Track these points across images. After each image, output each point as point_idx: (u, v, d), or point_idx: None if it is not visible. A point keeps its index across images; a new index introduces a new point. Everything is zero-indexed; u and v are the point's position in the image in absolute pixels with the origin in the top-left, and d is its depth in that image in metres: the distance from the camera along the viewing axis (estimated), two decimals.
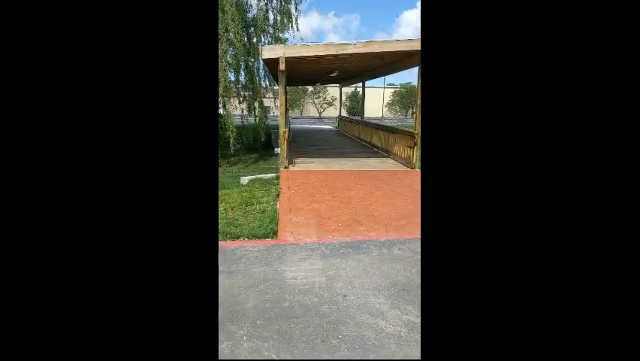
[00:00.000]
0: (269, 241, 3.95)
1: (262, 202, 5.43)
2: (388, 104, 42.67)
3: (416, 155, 8.09)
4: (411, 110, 42.75)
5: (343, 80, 15.20)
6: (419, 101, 8.10)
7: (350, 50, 7.24)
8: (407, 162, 8.38)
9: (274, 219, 4.62)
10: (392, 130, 9.72)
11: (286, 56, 7.21)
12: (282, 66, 7.29)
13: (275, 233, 4.20)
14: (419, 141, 8.07)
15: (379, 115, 38.63)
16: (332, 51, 7.32)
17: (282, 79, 7.63)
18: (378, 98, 39.57)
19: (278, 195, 5.77)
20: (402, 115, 41.95)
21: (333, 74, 11.00)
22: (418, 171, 7.94)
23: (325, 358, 2.10)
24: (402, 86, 43.94)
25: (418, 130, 8.01)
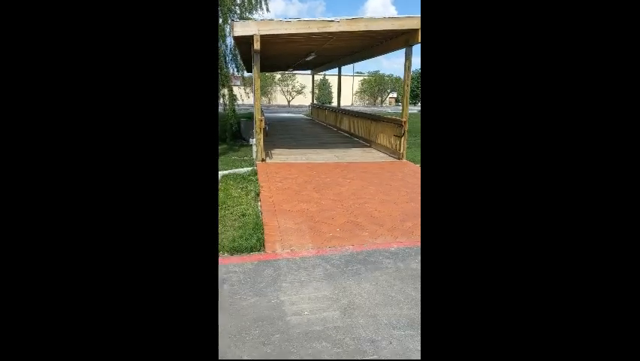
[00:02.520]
0: (256, 257, 3.16)
1: (241, 203, 4.60)
2: (357, 92, 42.26)
3: (404, 144, 7.48)
4: (380, 99, 42.61)
5: (318, 65, 14.35)
6: (407, 87, 7.46)
7: (333, 28, 6.45)
8: (394, 153, 7.75)
9: (258, 226, 3.82)
10: (375, 118, 9.05)
11: (261, 33, 6.32)
12: (256, 45, 6.39)
13: (262, 244, 3.41)
14: (407, 129, 7.45)
15: (349, 103, 38.12)
16: (313, 28, 6.50)
17: (256, 60, 6.73)
18: (347, 86, 38.99)
19: (258, 194, 4.96)
20: (370, 103, 41.68)
21: (310, 58, 10.16)
22: (406, 162, 7.34)
23: (326, 358, 1.90)
24: (370, 74, 43.60)
25: (405, 117, 7.39)
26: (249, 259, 3.09)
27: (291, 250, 3.30)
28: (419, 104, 38.83)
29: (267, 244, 3.40)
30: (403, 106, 7.63)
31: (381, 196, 4.97)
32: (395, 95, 44.52)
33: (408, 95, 7.50)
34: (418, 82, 41.00)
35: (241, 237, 3.53)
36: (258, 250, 3.30)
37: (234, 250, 3.25)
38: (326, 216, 4.14)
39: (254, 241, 3.43)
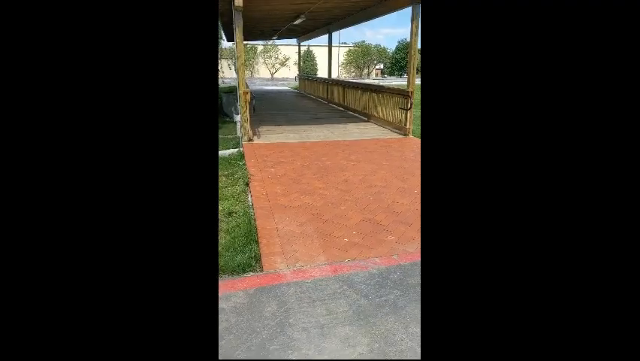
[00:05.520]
0: (251, 281, 2.28)
1: (227, 197, 3.68)
2: (343, 63, 40.82)
3: (410, 119, 6.60)
4: (367, 70, 41.30)
5: (307, 31, 13.10)
6: (414, 53, 6.49)
7: None
8: (398, 128, 6.87)
9: (251, 230, 2.93)
10: (375, 89, 8.08)
11: None
12: (237, 0, 5.30)
13: (257, 259, 2.53)
14: (414, 100, 6.54)
15: (335, 75, 36.72)
16: None
17: (239, 21, 5.63)
18: (332, 57, 37.51)
19: (248, 184, 4.03)
20: (357, 75, 40.37)
21: (298, 21, 9.01)
22: (414, 138, 6.48)
23: (326, 358, 1.62)
24: (356, 44, 42.02)
25: (412, 88, 6.47)
26: (242, 286, 2.22)
27: (299, 267, 2.44)
28: (405, 75, 37.85)
29: (264, 259, 2.52)
30: (409, 75, 6.69)
31: (397, 183, 4.11)
32: (381, 66, 43.22)
33: (415, 62, 6.54)
34: (404, 53, 39.85)
35: (229, 248, 2.64)
36: (254, 269, 2.42)
37: (221, 270, 2.37)
38: (336, 214, 3.27)
39: (247, 255, 2.55)
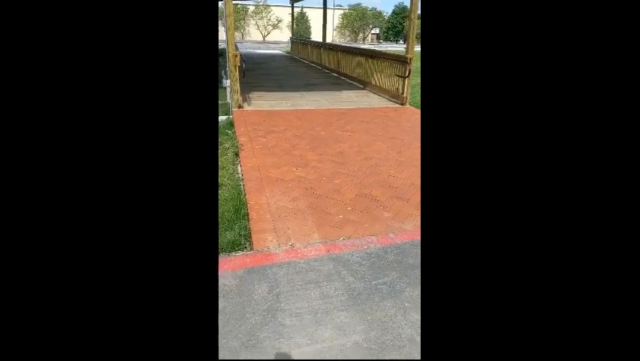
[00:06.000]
0: (240, 260, 2.15)
1: None
2: (337, 27, 39.49)
3: (407, 87, 6.35)
4: (362, 35, 40.09)
5: None
6: (413, 16, 6.14)
7: None
8: (395, 97, 6.63)
9: (241, 205, 2.77)
10: (372, 54, 7.73)
11: None
12: None
13: (247, 237, 2.40)
14: (413, 67, 6.26)
15: (329, 39, 35.60)
16: None
17: None
18: (327, 20, 36.15)
19: (237, 154, 3.84)
20: (351, 40, 39.20)
21: None
22: (411, 108, 6.26)
23: (325, 358, 1.49)
24: (351, 7, 40.53)
25: (411, 54, 6.18)
26: (231, 266, 2.09)
27: (291, 245, 2.31)
28: (401, 41, 36.81)
29: (255, 237, 2.39)
30: (408, 41, 6.37)
31: (394, 155, 3.95)
32: (377, 31, 41.93)
33: (415, 28, 6.21)
34: (401, 17, 38.60)
35: (218, 224, 2.49)
36: (243, 248, 2.29)
37: None
38: (330, 188, 3.13)
39: (236, 232, 2.41)
